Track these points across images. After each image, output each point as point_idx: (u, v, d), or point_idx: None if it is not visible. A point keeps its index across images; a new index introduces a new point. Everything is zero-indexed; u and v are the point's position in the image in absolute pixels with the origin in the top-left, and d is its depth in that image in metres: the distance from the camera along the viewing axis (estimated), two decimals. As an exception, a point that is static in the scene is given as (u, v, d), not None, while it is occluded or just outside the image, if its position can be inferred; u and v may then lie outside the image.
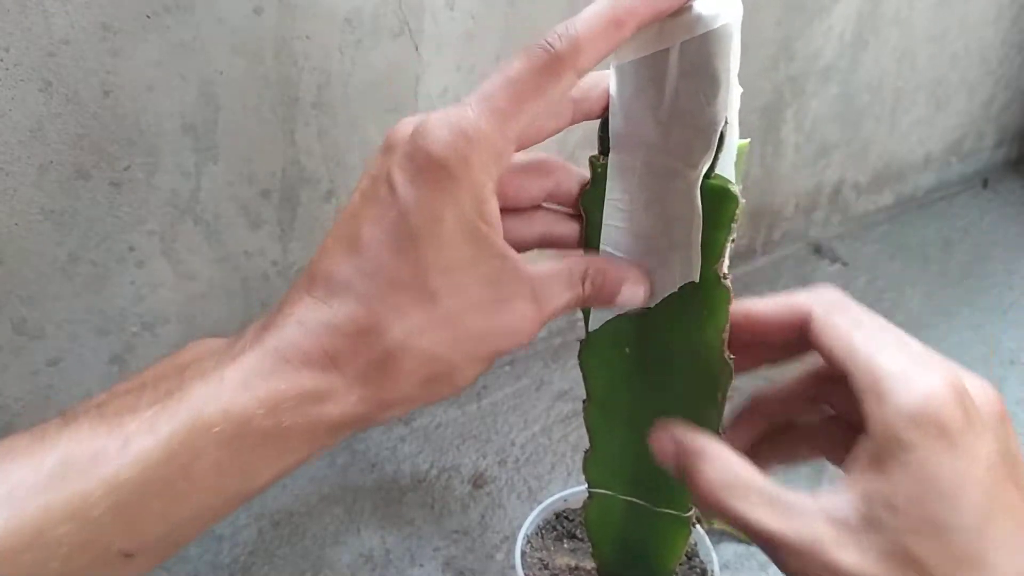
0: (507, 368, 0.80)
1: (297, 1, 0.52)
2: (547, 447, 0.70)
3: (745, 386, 0.36)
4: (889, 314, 0.29)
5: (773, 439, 0.35)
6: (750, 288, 0.93)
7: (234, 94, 0.52)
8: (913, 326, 0.99)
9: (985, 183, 1.24)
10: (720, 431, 0.38)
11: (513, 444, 0.70)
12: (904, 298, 0.93)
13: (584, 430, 0.43)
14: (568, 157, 0.71)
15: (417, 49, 0.59)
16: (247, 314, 0.62)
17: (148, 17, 0.47)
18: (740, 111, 0.33)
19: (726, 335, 0.35)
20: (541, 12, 0.63)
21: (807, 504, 0.26)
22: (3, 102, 0.44)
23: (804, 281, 0.96)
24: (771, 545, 0.26)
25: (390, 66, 0.58)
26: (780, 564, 0.26)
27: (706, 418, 0.38)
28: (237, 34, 0.50)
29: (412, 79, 0.60)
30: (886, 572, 0.24)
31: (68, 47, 0.45)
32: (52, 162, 0.47)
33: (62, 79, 0.46)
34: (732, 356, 0.35)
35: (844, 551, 0.25)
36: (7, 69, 0.44)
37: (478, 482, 0.66)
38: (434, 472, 0.67)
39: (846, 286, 0.97)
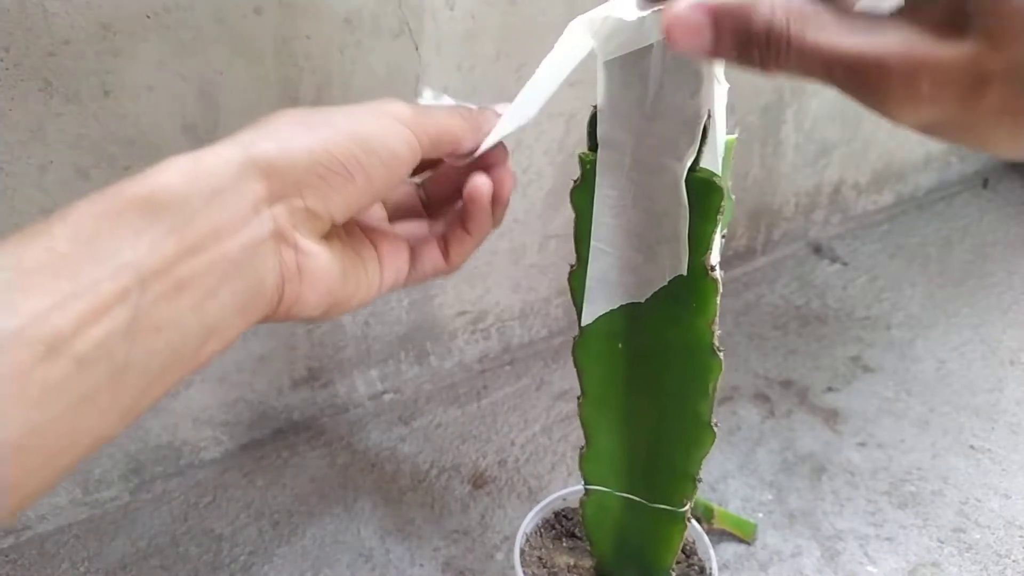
0: (507, 368, 0.80)
1: (297, 1, 0.52)
2: (547, 447, 0.70)
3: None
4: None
5: None
6: (750, 288, 0.93)
7: (234, 94, 0.52)
8: (913, 326, 0.98)
9: (985, 183, 1.24)
10: (712, 424, 0.38)
11: (513, 444, 0.70)
12: (904, 298, 0.93)
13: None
14: (568, 157, 0.71)
15: (417, 49, 0.59)
16: (247, 314, 0.62)
17: (148, 17, 0.47)
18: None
19: (715, 327, 0.35)
20: (541, 12, 0.64)
21: (887, 20, 0.23)
22: (3, 102, 0.45)
23: (804, 281, 0.96)
24: (862, 71, 0.22)
25: (390, 66, 0.58)
26: (877, 96, 0.23)
27: (698, 410, 0.38)
28: (237, 34, 0.50)
29: (412, 79, 0.60)
30: (993, 49, 0.21)
31: (68, 47, 0.45)
32: (52, 162, 0.47)
33: (62, 79, 0.46)
34: (722, 349, 0.35)
35: (949, 47, 0.21)
36: (7, 69, 0.44)
37: (478, 482, 0.66)
38: (434, 472, 0.67)
39: (846, 286, 0.97)
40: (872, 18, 0.23)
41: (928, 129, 0.24)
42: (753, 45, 0.24)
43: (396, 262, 0.36)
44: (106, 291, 0.24)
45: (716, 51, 0.25)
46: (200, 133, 0.52)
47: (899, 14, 0.23)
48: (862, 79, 0.23)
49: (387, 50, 0.57)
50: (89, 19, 0.45)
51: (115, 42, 0.46)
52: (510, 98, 0.35)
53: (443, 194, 0.39)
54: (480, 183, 0.36)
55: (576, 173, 0.38)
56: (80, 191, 0.25)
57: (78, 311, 0.23)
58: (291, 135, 0.30)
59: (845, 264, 1.01)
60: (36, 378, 0.23)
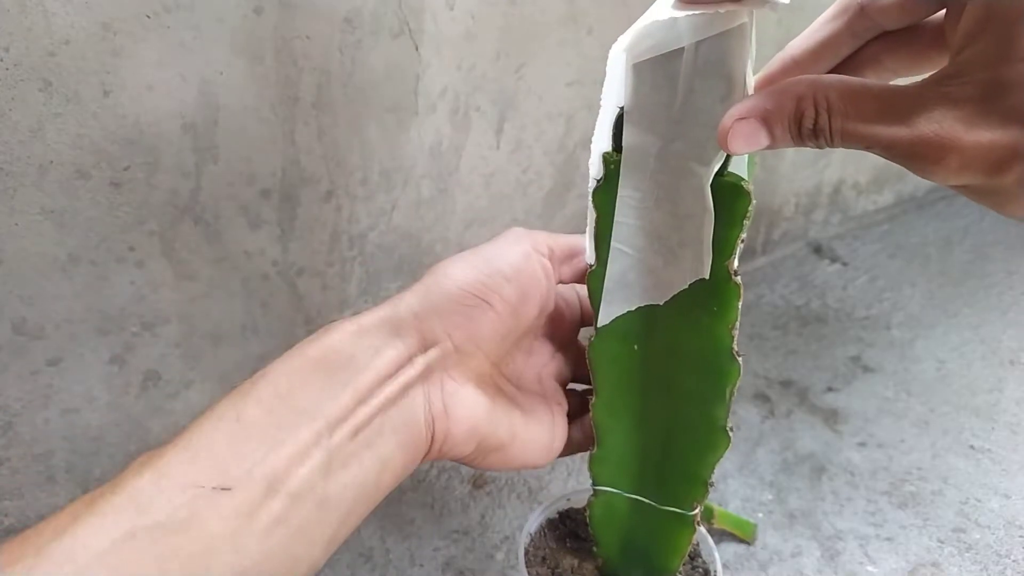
0: (507, 368, 0.80)
1: (297, 1, 0.52)
2: (547, 447, 0.70)
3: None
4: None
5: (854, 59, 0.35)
6: (750, 288, 0.93)
7: (234, 94, 0.52)
8: (913, 326, 0.98)
9: (985, 183, 1.24)
10: (727, 428, 0.38)
11: (513, 444, 0.70)
12: (904, 298, 0.93)
13: (584, 430, 0.43)
14: (568, 157, 0.71)
15: (417, 49, 0.59)
16: (247, 314, 0.62)
17: (148, 17, 0.47)
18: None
19: (735, 331, 0.35)
20: (541, 12, 0.63)
21: (921, 96, 0.25)
22: (3, 102, 0.44)
23: (804, 281, 0.96)
24: (898, 151, 0.25)
25: (390, 66, 0.58)
26: (913, 167, 0.26)
27: (714, 414, 0.38)
28: (237, 34, 0.50)
29: (412, 79, 0.60)
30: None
31: (68, 47, 0.45)
32: (52, 162, 0.47)
33: (62, 79, 0.46)
34: (741, 354, 0.35)
35: (978, 131, 0.24)
36: (7, 69, 0.44)
37: (478, 482, 0.66)
38: (434, 472, 0.67)
39: (846, 286, 0.97)
40: (908, 95, 0.26)
41: (958, 190, 0.27)
42: (804, 138, 0.27)
43: (564, 426, 0.42)
44: (305, 437, 0.29)
45: (772, 146, 0.28)
46: (200, 133, 0.52)
47: (936, 84, 0.25)
48: (898, 156, 0.26)
49: (387, 50, 0.57)
50: (89, 19, 0.45)
51: (115, 42, 0.46)
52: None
53: None
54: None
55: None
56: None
57: (287, 455, 0.29)
58: (430, 287, 0.35)
59: (845, 264, 1.01)
60: (263, 512, 0.28)
